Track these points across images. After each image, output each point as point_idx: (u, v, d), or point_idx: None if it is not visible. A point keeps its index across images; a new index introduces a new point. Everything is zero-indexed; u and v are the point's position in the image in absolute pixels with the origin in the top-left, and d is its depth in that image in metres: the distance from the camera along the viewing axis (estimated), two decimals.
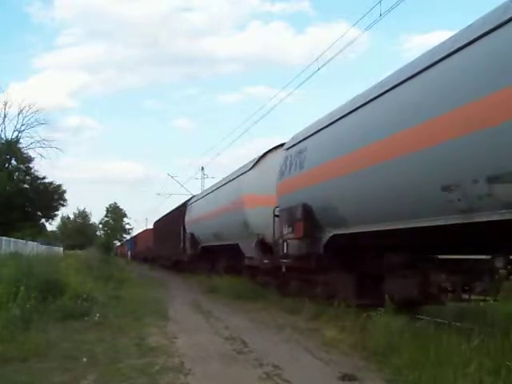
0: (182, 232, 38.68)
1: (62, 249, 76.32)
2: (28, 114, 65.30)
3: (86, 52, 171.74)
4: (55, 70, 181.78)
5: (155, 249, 60.61)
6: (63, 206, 76.00)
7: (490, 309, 8.09)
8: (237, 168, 27.78)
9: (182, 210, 41.47)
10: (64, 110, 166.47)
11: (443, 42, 10.18)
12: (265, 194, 21.02)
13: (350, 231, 13.47)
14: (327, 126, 14.98)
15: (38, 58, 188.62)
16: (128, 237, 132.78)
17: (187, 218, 37.63)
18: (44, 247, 53.93)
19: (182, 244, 38.74)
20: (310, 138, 16.38)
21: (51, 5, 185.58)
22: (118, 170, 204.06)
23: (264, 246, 21.09)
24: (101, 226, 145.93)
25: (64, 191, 73.86)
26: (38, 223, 72.82)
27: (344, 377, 8.19)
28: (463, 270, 10.32)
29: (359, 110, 12.97)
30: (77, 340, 11.18)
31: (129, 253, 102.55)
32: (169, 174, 73.77)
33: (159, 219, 61.97)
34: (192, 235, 34.94)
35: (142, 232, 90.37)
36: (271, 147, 23.31)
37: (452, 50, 9.39)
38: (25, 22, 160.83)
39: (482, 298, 9.98)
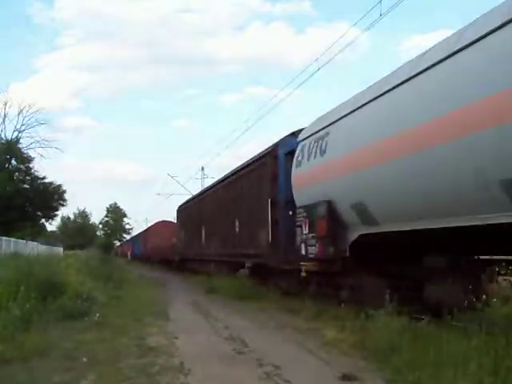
0: (269, 210, 19.88)
1: (61, 249, 76.27)
2: (28, 114, 65.70)
3: (86, 52, 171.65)
4: (56, 70, 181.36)
5: (185, 246, 41.17)
6: (63, 206, 76.16)
7: (489, 308, 8.08)
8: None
9: (267, 163, 21.06)
10: (64, 110, 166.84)
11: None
12: None
13: None
14: None
15: (39, 59, 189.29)
16: (128, 236, 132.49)
17: (301, 174, 17.37)
18: (44, 247, 53.88)
19: (269, 235, 19.86)
20: None
21: (52, 5, 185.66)
22: (119, 170, 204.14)
23: None
24: (101, 226, 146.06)
25: (64, 191, 73.99)
26: (38, 223, 72.90)
27: (344, 377, 8.20)
28: None
29: None
30: (77, 340, 11.17)
31: (129, 253, 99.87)
32: (169, 174, 73.68)
33: (192, 199, 43.11)
34: (330, 207, 15.10)
35: (155, 225, 73.47)
36: None
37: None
38: (26, 23, 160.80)
39: None
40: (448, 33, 10.72)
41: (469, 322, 8.65)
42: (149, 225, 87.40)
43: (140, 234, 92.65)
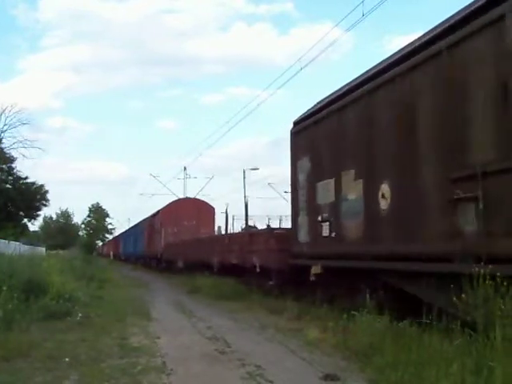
0: None
1: (44, 249, 75.97)
2: (10, 114, 65.28)
3: (71, 53, 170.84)
4: (40, 70, 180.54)
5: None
6: (46, 206, 76.13)
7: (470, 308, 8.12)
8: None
9: None
10: (48, 110, 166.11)
11: None
12: None
13: None
14: None
15: (23, 59, 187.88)
16: (111, 236, 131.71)
17: None
18: (27, 247, 53.57)
19: None
20: None
21: (36, 7, 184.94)
22: (101, 170, 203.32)
23: None
24: (83, 226, 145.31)
25: (46, 191, 73.94)
26: (20, 223, 72.53)
27: (326, 377, 8.21)
28: None
29: None
30: (59, 340, 11.15)
31: (111, 253, 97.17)
32: (151, 174, 73.37)
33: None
34: None
35: (173, 205, 48.32)
36: None
37: None
38: (9, 24, 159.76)
39: None
40: None
41: (450, 321, 8.69)
42: (132, 224, 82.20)
43: (140, 224, 64.91)
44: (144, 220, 61.18)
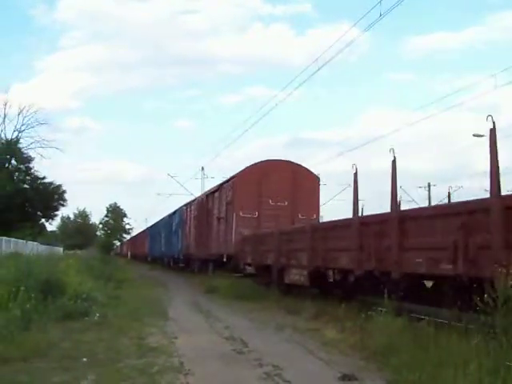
0: None
1: (61, 249, 76.23)
2: (28, 114, 65.59)
3: (88, 54, 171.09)
4: (57, 71, 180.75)
5: None
6: (63, 206, 76.00)
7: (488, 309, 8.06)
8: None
9: None
10: (66, 110, 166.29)
11: None
12: None
13: None
14: None
15: (41, 60, 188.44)
16: (128, 237, 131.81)
17: None
18: (44, 247, 53.80)
19: None
20: None
21: (54, 7, 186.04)
22: (119, 170, 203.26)
23: None
24: (101, 225, 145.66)
25: (64, 191, 73.86)
26: (37, 223, 72.75)
27: (344, 377, 8.19)
28: None
29: None
30: (77, 340, 11.17)
31: (129, 252, 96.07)
32: (169, 174, 73.04)
33: None
34: None
35: (257, 167, 28.58)
36: None
37: None
38: (28, 25, 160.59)
39: None
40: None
41: (469, 322, 8.65)
42: (149, 224, 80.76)
43: (179, 212, 47.18)
44: (188, 204, 43.68)
